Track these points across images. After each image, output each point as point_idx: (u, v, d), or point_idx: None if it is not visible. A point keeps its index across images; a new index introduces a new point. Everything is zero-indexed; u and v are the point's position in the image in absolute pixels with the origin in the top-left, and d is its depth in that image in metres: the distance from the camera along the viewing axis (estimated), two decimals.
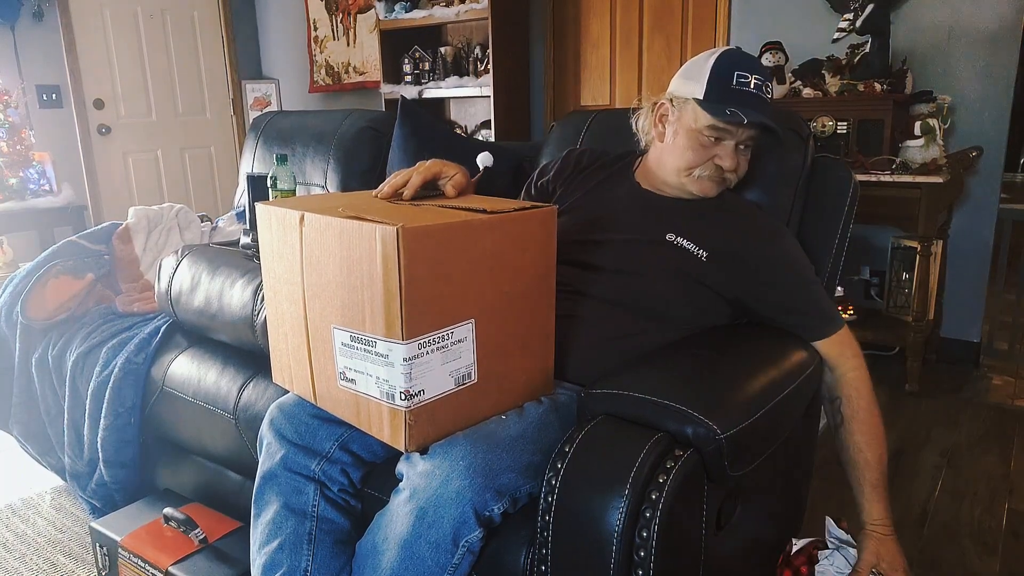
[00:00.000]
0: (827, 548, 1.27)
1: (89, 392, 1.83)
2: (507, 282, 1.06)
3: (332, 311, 1.04)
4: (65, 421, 1.93)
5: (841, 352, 1.29)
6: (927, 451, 2.30)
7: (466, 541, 1.02)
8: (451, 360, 1.00)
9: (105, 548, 1.58)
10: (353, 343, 1.01)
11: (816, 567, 1.24)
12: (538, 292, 1.12)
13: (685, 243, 1.30)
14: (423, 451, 1.04)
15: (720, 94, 1.27)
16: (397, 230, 0.91)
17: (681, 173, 1.33)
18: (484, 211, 1.03)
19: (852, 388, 1.29)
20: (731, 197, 1.39)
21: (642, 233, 1.32)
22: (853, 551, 1.25)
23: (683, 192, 1.36)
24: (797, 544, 1.30)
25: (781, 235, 1.33)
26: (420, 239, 0.93)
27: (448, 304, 0.98)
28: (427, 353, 0.97)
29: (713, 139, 1.30)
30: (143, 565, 1.48)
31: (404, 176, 1.21)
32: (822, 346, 1.29)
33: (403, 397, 0.96)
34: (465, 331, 1.01)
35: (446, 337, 0.99)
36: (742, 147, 1.32)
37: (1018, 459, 2.24)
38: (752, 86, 1.28)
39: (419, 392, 0.98)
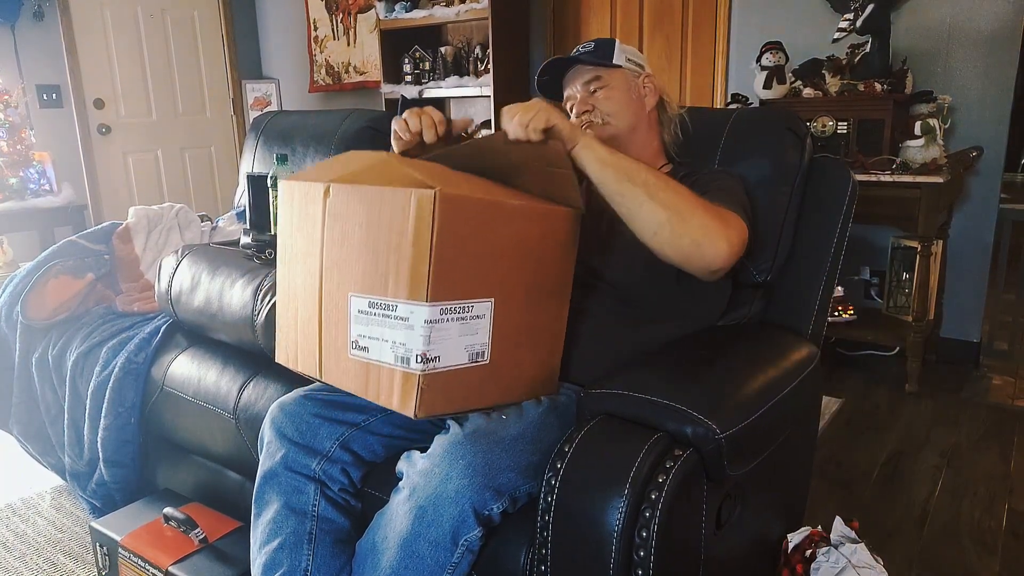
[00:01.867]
0: (825, 545, 1.27)
1: (89, 392, 1.83)
2: (529, 272, 1.08)
3: (351, 279, 1.05)
4: (65, 421, 1.93)
5: None
6: (927, 451, 2.30)
7: (465, 540, 1.02)
8: (468, 334, 1.02)
9: (105, 548, 1.58)
10: (371, 309, 1.02)
11: (812, 564, 1.25)
12: (555, 289, 1.14)
13: None
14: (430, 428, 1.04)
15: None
16: (435, 192, 0.93)
17: None
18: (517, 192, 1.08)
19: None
20: (685, 167, 1.44)
21: (604, 211, 1.33)
22: (851, 546, 1.26)
23: None
24: (793, 540, 1.30)
25: (719, 170, 1.39)
26: (456, 204, 0.96)
27: (473, 277, 1.01)
28: (447, 320, 0.99)
29: (569, 106, 1.43)
30: (143, 565, 1.48)
31: (424, 116, 1.22)
32: None
33: (419, 360, 0.97)
34: (484, 308, 1.03)
35: (466, 309, 1.01)
36: (592, 90, 1.40)
37: (1018, 459, 2.24)
38: (570, 55, 1.42)
39: (435, 358, 0.99)
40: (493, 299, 1.04)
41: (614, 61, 1.39)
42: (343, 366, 1.08)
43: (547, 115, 1.10)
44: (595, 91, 1.39)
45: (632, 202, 1.12)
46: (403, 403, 1.01)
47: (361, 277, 1.03)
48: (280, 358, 1.23)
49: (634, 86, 1.42)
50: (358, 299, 1.04)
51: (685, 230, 1.11)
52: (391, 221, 0.98)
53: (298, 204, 1.14)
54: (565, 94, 1.44)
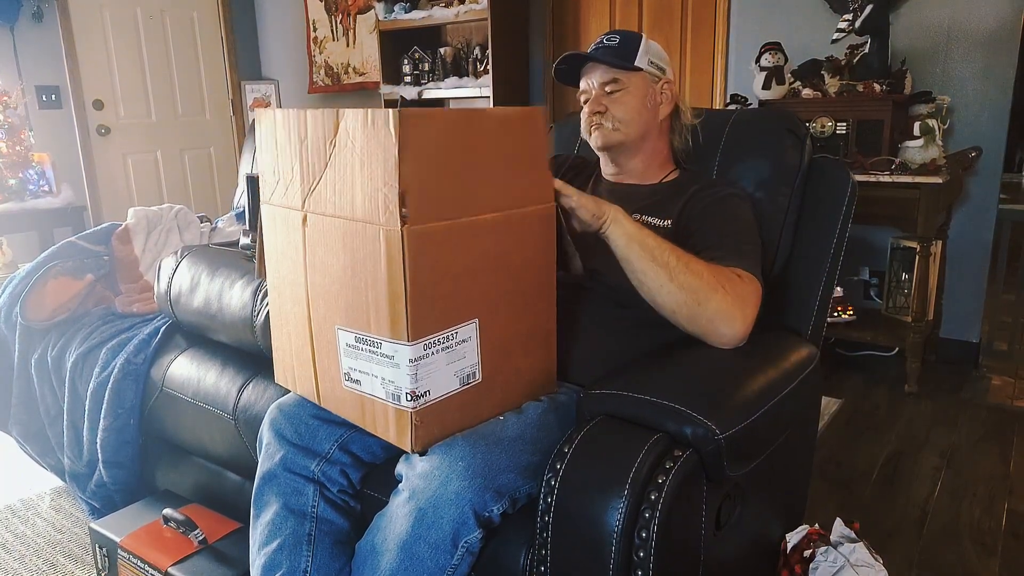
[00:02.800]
0: (824, 544, 1.27)
1: (88, 393, 1.83)
2: (509, 280, 1.06)
3: (336, 312, 1.03)
4: (64, 422, 1.93)
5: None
6: (926, 452, 2.30)
7: (465, 542, 1.02)
8: (456, 360, 1.01)
9: (105, 549, 1.57)
10: (358, 344, 1.01)
11: (811, 564, 1.25)
12: (539, 290, 1.12)
13: (649, 219, 1.34)
14: (424, 453, 1.04)
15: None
16: (402, 231, 0.90)
17: (586, 138, 1.43)
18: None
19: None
20: (690, 175, 1.44)
21: None
22: (850, 546, 1.26)
23: (608, 156, 1.44)
24: (791, 539, 1.30)
25: (726, 192, 1.36)
26: (424, 239, 0.93)
27: (452, 304, 0.98)
28: (432, 354, 0.97)
29: (584, 102, 1.41)
30: (143, 566, 1.48)
31: None
32: None
33: (409, 398, 0.97)
34: (469, 331, 1.01)
35: (451, 337, 0.99)
36: (608, 91, 1.37)
37: (1017, 460, 2.24)
38: (592, 45, 1.40)
39: (425, 393, 0.98)
40: (477, 319, 1.02)
41: (635, 63, 1.36)
42: (339, 395, 1.08)
43: (579, 200, 1.13)
44: (611, 92, 1.38)
45: (653, 283, 1.15)
46: (399, 438, 1.01)
47: (345, 310, 1.02)
48: (279, 379, 1.24)
49: (651, 92, 1.39)
50: (345, 333, 1.03)
51: (702, 312, 1.15)
52: (365, 257, 0.96)
53: (280, 230, 1.13)
54: (581, 86, 1.42)
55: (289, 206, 1.09)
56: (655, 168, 1.43)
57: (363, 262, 0.97)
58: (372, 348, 0.99)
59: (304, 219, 1.06)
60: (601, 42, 1.39)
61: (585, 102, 1.41)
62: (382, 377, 0.99)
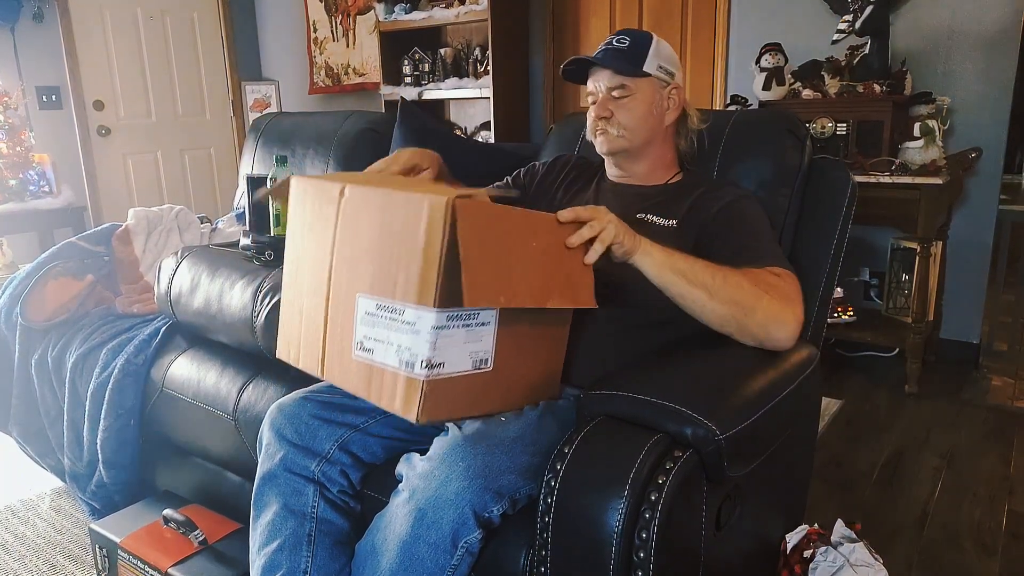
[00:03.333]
0: (824, 544, 1.27)
1: (89, 393, 1.83)
2: (538, 281, 1.07)
3: (361, 280, 1.04)
4: (64, 422, 1.93)
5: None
6: (927, 453, 2.30)
7: (465, 542, 1.02)
8: (473, 340, 1.02)
9: (105, 550, 1.57)
10: (378, 311, 1.02)
11: (811, 564, 1.25)
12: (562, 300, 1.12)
13: (654, 218, 1.34)
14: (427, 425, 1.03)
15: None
16: (448, 200, 0.93)
17: (591, 140, 1.42)
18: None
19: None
20: (694, 177, 1.44)
21: None
22: (850, 546, 1.26)
23: (613, 161, 1.44)
24: (791, 540, 1.30)
25: (734, 195, 1.34)
26: (469, 212, 0.95)
27: (481, 283, 0.99)
28: (453, 327, 0.99)
29: (592, 103, 1.40)
30: (143, 567, 1.48)
31: (382, 163, 1.31)
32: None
33: (423, 366, 0.97)
34: (490, 316, 1.03)
35: (472, 317, 1.01)
36: (615, 95, 1.36)
37: (1018, 460, 2.24)
38: (601, 45, 1.38)
39: (440, 364, 0.99)
40: (499, 308, 1.03)
41: (644, 68, 1.34)
42: (346, 366, 1.08)
43: (615, 231, 1.10)
44: (618, 97, 1.36)
45: (694, 304, 1.15)
46: (405, 407, 1.00)
47: (371, 279, 1.03)
48: (281, 353, 1.22)
49: (658, 99, 1.37)
50: (366, 300, 1.03)
51: (752, 321, 1.15)
52: (404, 226, 0.98)
53: (311, 202, 1.14)
54: (589, 86, 1.40)
55: (327, 179, 1.11)
56: (660, 171, 1.43)
57: (400, 231, 0.99)
58: (393, 315, 1.00)
59: (342, 190, 1.07)
60: (610, 43, 1.37)
61: (593, 103, 1.40)
62: (398, 344, 0.99)
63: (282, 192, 1.25)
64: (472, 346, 1.02)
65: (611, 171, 1.47)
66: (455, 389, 1.02)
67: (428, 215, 0.95)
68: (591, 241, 1.09)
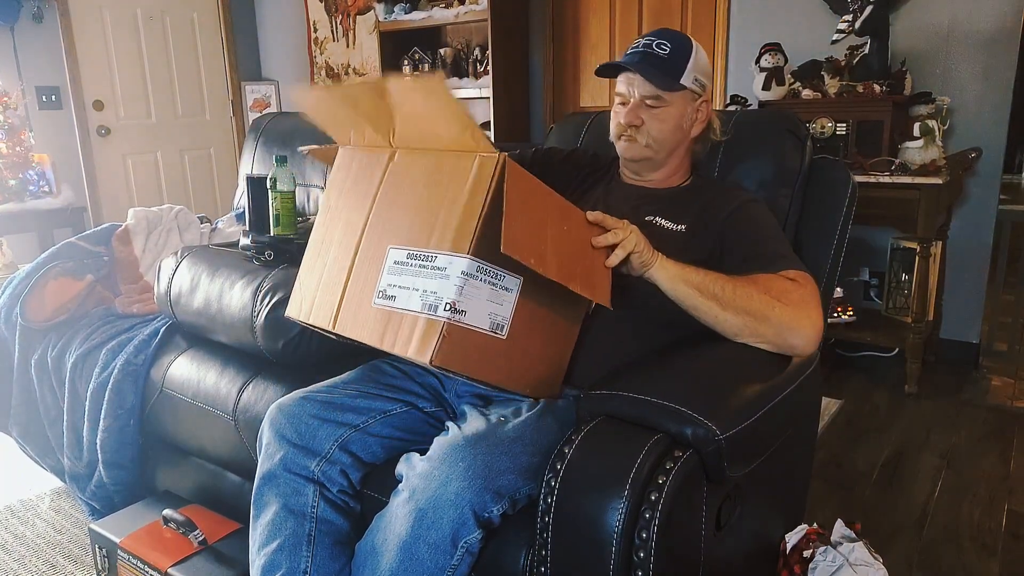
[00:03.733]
0: (823, 544, 1.27)
1: (88, 393, 1.83)
2: (567, 264, 1.09)
3: (394, 233, 1.09)
4: (64, 423, 1.93)
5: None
6: (927, 452, 2.30)
7: (465, 542, 1.02)
8: (494, 301, 1.06)
9: (104, 550, 1.57)
10: (408, 260, 1.06)
11: (810, 564, 1.25)
12: (579, 298, 1.14)
13: (664, 222, 1.34)
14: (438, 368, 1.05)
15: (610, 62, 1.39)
16: (499, 157, 0.99)
17: (614, 141, 1.41)
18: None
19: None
20: (702, 181, 1.44)
21: (624, 219, 1.34)
22: (849, 545, 1.26)
23: (632, 167, 1.43)
24: (791, 540, 1.30)
25: (742, 199, 1.35)
26: (516, 174, 1.00)
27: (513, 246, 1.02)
28: (480, 280, 1.03)
29: (620, 103, 1.38)
30: (142, 567, 1.48)
31: None
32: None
33: (447, 308, 1.01)
34: (514, 283, 1.07)
35: (499, 277, 1.05)
36: (648, 104, 1.34)
37: (1017, 460, 2.24)
38: (641, 46, 1.35)
39: (462, 311, 1.02)
40: (523, 278, 1.07)
41: (682, 81, 1.32)
42: (362, 316, 1.10)
43: (636, 241, 1.14)
44: (651, 106, 1.33)
45: (707, 315, 1.17)
46: (422, 348, 1.02)
47: (407, 231, 1.07)
48: (291, 311, 1.23)
49: (689, 111, 1.36)
50: (397, 251, 1.08)
51: (764, 331, 1.17)
52: (449, 181, 1.04)
53: (355, 168, 1.19)
54: (620, 86, 1.37)
55: (378, 145, 1.16)
56: (675, 178, 1.43)
57: (446, 186, 1.04)
58: (424, 262, 1.04)
59: (392, 155, 1.13)
60: (650, 46, 1.32)
61: (621, 103, 1.37)
62: (424, 289, 1.03)
63: (327, 156, 1.28)
64: (493, 307, 1.06)
65: (626, 172, 1.46)
66: (470, 343, 1.05)
67: (478, 168, 1.01)
68: (612, 247, 1.13)
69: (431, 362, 1.00)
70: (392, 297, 1.06)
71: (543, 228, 1.04)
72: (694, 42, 1.36)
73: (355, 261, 1.13)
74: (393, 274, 1.07)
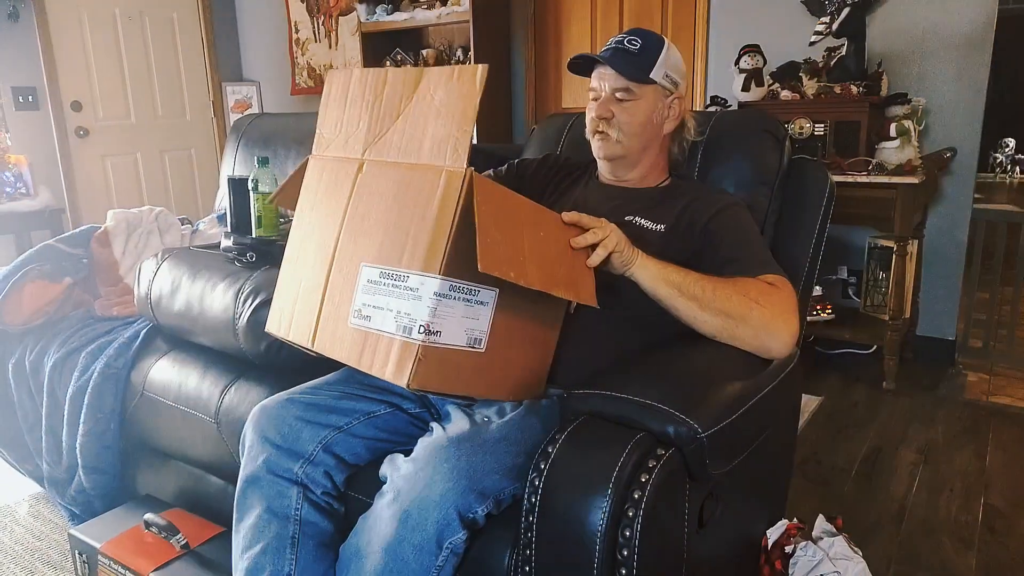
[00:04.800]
0: (804, 539, 1.29)
1: (67, 397, 1.81)
2: (542, 273, 1.08)
3: (367, 250, 1.07)
4: (43, 427, 1.91)
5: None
6: (904, 448, 2.33)
7: (450, 543, 1.03)
8: (470, 317, 1.04)
9: (84, 555, 1.56)
10: (381, 279, 1.04)
11: (791, 560, 1.26)
12: (558, 301, 1.15)
13: (643, 221, 1.34)
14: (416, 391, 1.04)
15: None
16: (467, 172, 0.97)
17: (589, 138, 1.42)
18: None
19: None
20: (682, 182, 1.45)
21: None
22: (829, 540, 1.28)
23: (607, 166, 1.44)
24: (772, 535, 1.32)
25: (725, 202, 1.36)
26: (483, 188, 0.98)
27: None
28: (454, 298, 1.01)
29: (592, 99, 1.39)
30: (123, 572, 1.47)
31: None
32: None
33: (421, 331, 0.99)
34: (489, 296, 1.06)
35: (473, 292, 1.03)
36: (618, 97, 1.36)
37: (993, 455, 2.28)
38: (612, 43, 1.37)
39: (436, 332, 1.01)
40: (498, 291, 1.06)
41: (651, 75, 1.34)
42: (340, 335, 1.09)
43: (616, 240, 1.14)
44: (621, 99, 1.36)
45: (686, 315, 1.18)
46: (398, 372, 1.01)
47: (378, 248, 1.06)
48: (271, 327, 1.23)
49: (660, 107, 1.38)
50: (369, 269, 1.06)
51: (742, 333, 1.18)
52: (418, 197, 1.02)
53: (326, 179, 1.17)
54: (592, 82, 1.39)
55: (346, 156, 1.14)
56: (651, 176, 1.44)
57: (414, 202, 1.02)
58: (396, 282, 1.02)
59: (360, 167, 1.11)
60: (621, 42, 1.36)
61: (594, 99, 1.39)
62: (398, 311, 1.02)
63: (286, 203, 1.27)
64: (469, 323, 1.05)
65: (603, 172, 1.48)
66: (447, 362, 1.04)
67: (444, 185, 0.99)
68: (593, 247, 1.13)
69: (408, 386, 1.00)
70: (368, 317, 1.05)
71: (519, 238, 1.03)
72: (666, 40, 1.38)
73: (329, 277, 1.11)
74: (367, 293, 1.05)
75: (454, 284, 1.00)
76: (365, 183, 1.10)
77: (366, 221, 1.08)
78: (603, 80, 1.37)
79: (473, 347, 1.06)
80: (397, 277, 1.02)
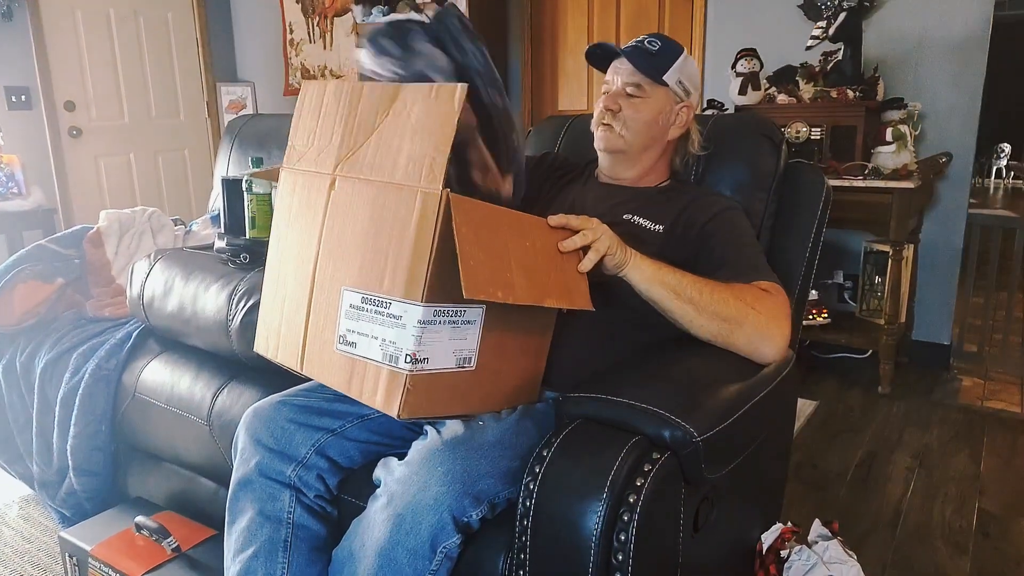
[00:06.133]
0: (798, 544, 1.28)
1: (59, 399, 1.80)
2: (527, 283, 1.06)
3: (347, 273, 1.04)
4: (34, 429, 1.89)
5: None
6: (899, 453, 2.33)
7: (444, 547, 1.02)
8: (457, 338, 1.02)
9: (75, 558, 1.54)
10: (363, 304, 1.01)
11: (785, 564, 1.26)
12: (548, 305, 1.12)
13: (641, 220, 1.34)
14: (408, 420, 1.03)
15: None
16: (442, 194, 0.93)
17: (593, 130, 1.42)
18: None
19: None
20: (682, 185, 1.45)
21: (601, 217, 1.34)
22: (824, 544, 1.27)
23: (606, 161, 1.44)
24: (766, 540, 1.31)
25: (723, 206, 1.36)
26: (465, 206, 0.95)
27: None
28: (439, 323, 0.99)
29: (604, 92, 1.40)
30: (114, 575, 1.45)
31: None
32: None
33: (407, 360, 0.97)
34: (476, 314, 1.03)
35: (459, 314, 1.01)
36: (628, 92, 1.37)
37: (988, 460, 2.29)
38: (633, 42, 1.38)
39: (424, 360, 0.99)
40: (484, 307, 1.03)
41: (664, 78, 1.36)
42: (327, 360, 1.07)
43: (608, 242, 1.12)
44: (631, 95, 1.37)
45: (682, 318, 1.17)
46: (387, 402, 1.00)
47: (358, 272, 1.03)
48: (259, 347, 1.21)
49: (666, 111, 1.38)
50: (351, 294, 1.03)
51: (737, 337, 1.17)
52: (395, 218, 0.98)
53: (299, 194, 1.13)
54: (607, 76, 1.41)
55: (318, 171, 1.10)
56: (650, 178, 1.45)
57: (391, 224, 0.99)
58: (379, 308, 1.00)
59: (332, 183, 1.07)
60: (642, 42, 1.38)
61: (605, 92, 1.40)
62: (383, 338, 0.99)
63: (269, 177, 1.24)
64: (457, 344, 1.02)
65: (602, 170, 1.48)
66: (437, 386, 1.02)
67: (421, 207, 0.95)
68: (584, 249, 1.11)
69: (398, 416, 0.99)
70: (353, 344, 1.03)
71: (504, 253, 1.00)
72: (686, 51, 1.39)
73: (312, 300, 1.09)
74: (351, 319, 1.03)
75: (438, 309, 0.98)
76: (339, 201, 1.07)
77: (343, 241, 1.05)
78: (617, 74, 1.38)
79: (463, 367, 1.04)
80: (379, 303, 1.00)
